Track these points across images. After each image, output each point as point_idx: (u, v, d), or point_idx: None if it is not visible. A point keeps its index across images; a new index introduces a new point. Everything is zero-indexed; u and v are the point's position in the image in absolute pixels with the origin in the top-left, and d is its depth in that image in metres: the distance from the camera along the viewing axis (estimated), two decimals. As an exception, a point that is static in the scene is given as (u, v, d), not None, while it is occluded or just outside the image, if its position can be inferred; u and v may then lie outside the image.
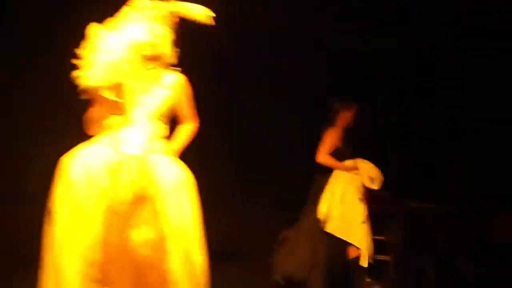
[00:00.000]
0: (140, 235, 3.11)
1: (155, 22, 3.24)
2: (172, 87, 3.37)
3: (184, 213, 3.22)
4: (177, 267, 3.14)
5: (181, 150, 3.45)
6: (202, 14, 3.30)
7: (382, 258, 5.31)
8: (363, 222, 4.95)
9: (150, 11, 3.26)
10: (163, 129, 3.37)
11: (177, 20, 3.32)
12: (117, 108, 3.24)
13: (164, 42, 3.28)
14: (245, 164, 6.14)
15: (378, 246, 5.12)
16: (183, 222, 3.20)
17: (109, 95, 3.18)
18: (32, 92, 5.42)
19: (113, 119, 3.27)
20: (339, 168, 5.06)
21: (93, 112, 3.26)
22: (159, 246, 3.12)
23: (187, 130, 3.49)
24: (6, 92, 5.46)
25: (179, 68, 3.38)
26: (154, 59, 3.28)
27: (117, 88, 3.20)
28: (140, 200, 3.15)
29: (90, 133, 3.27)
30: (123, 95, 3.24)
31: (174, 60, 3.33)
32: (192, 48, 3.50)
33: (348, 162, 5.09)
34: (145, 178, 3.17)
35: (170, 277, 3.12)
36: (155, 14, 3.25)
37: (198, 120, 3.52)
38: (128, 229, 3.11)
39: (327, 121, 5.16)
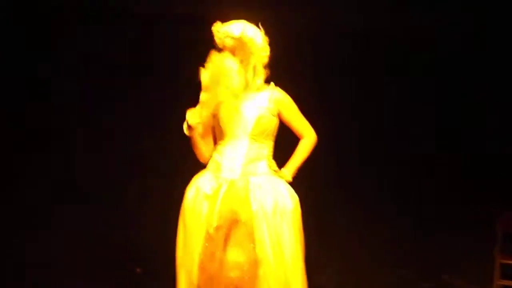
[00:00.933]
0: (232, 257, 3.15)
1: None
2: (268, 102, 3.26)
3: (280, 239, 3.16)
4: None
5: (300, 165, 3.36)
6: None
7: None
8: None
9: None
10: (268, 148, 3.31)
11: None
12: (219, 133, 3.29)
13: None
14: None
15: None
16: (279, 249, 3.15)
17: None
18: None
19: (217, 145, 3.33)
20: None
21: (196, 144, 3.31)
22: (250, 270, 3.14)
23: (303, 145, 3.37)
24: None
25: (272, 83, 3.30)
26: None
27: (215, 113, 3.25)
28: (234, 224, 3.17)
29: (202, 161, 3.36)
30: (222, 120, 3.26)
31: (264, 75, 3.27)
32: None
33: None
34: (239, 202, 3.18)
35: None
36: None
37: (313, 132, 3.38)
38: (223, 253, 3.16)
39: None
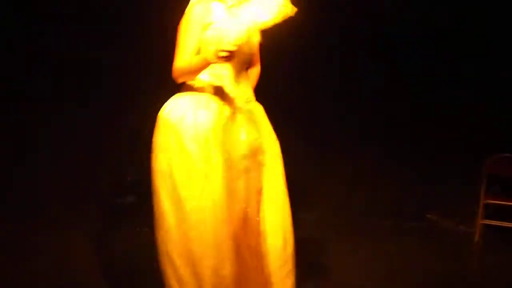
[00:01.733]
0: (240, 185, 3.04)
1: None
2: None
3: (280, 170, 3.16)
4: (270, 219, 3.07)
5: None
6: (282, 11, 2.91)
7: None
8: None
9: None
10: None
11: None
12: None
13: None
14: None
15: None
16: (280, 180, 3.14)
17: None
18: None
19: (216, 71, 3.02)
20: None
21: (199, 62, 2.95)
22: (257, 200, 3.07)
23: (256, 73, 3.25)
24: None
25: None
26: None
27: None
28: (255, 153, 3.07)
29: (181, 81, 3.03)
30: None
31: None
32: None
33: None
34: (256, 129, 3.08)
35: (262, 227, 3.05)
36: None
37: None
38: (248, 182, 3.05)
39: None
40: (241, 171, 3.04)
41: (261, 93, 3.13)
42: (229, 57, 2.84)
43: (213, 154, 2.95)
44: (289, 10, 2.90)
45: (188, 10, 3.01)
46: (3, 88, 5.18)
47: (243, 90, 3.08)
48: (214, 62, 2.89)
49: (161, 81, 3.32)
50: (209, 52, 2.86)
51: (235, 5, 3.03)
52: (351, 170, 5.48)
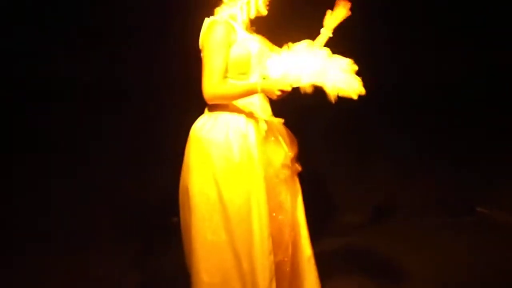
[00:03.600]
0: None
1: None
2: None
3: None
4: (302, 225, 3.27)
5: None
6: (354, 91, 2.93)
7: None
8: None
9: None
10: None
11: None
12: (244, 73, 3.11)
13: None
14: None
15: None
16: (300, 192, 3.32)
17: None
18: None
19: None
20: None
21: (238, 91, 3.05)
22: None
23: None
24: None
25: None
26: None
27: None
28: (292, 162, 3.22)
29: (213, 103, 3.08)
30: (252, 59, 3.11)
31: None
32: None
33: None
34: (285, 141, 3.23)
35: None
36: None
37: None
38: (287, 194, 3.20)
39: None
40: (282, 181, 3.16)
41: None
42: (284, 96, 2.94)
43: (257, 169, 3.03)
44: (359, 92, 2.92)
45: (211, 30, 3.05)
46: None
47: (267, 106, 3.20)
48: (274, 99, 2.99)
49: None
50: (268, 87, 2.94)
51: (246, 23, 3.15)
52: (393, 167, 5.34)
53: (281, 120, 3.23)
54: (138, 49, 4.96)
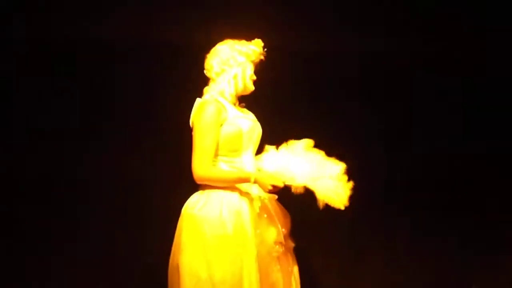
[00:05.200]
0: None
1: None
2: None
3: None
4: None
5: None
6: (340, 201, 3.07)
7: None
8: None
9: None
10: None
11: None
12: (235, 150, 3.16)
13: None
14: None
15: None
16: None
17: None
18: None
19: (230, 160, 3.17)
20: None
21: (229, 178, 3.11)
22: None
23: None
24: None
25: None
26: None
27: None
28: (285, 238, 3.21)
29: (201, 183, 3.11)
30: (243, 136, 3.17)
31: None
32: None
33: None
34: (279, 217, 3.24)
35: None
36: None
37: None
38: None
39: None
40: (275, 259, 3.14)
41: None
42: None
43: (250, 247, 3.03)
44: (344, 203, 3.05)
45: (201, 110, 3.08)
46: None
47: None
48: (267, 192, 3.10)
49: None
50: (262, 180, 3.05)
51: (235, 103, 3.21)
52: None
53: (274, 196, 3.23)
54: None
